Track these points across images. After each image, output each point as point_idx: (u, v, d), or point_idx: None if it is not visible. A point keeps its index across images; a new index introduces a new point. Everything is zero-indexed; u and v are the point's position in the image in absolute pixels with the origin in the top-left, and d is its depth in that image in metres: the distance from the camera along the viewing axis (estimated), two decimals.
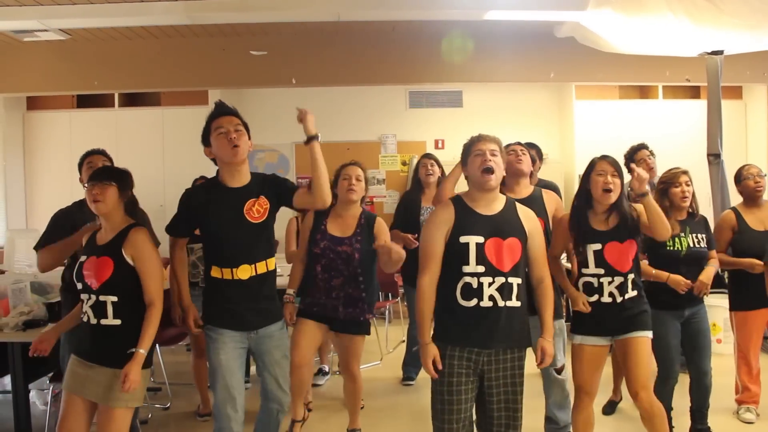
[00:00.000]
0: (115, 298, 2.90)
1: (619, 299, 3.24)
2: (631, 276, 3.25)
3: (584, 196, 3.31)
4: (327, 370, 5.47)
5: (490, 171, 2.87)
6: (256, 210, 3.09)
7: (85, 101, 8.35)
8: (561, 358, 3.78)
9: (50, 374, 4.29)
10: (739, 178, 4.45)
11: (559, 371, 3.78)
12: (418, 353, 5.09)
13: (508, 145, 3.65)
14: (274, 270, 3.24)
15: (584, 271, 3.29)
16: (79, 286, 2.96)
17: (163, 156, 8.22)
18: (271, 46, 7.13)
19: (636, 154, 4.95)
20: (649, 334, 3.30)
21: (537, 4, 5.76)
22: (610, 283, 3.23)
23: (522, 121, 8.83)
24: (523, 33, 6.95)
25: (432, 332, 2.93)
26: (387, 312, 7.00)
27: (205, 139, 3.12)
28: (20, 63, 7.10)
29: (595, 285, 3.25)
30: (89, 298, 2.92)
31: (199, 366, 4.68)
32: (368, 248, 3.79)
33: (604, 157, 3.30)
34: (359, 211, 3.92)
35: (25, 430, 3.87)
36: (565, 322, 3.84)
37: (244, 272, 3.09)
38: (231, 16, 6.01)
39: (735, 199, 5.66)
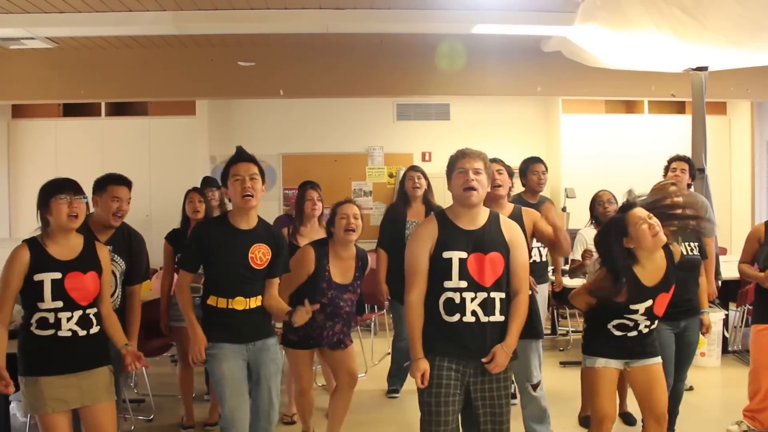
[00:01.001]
0: (96, 310, 3.01)
1: (645, 331, 3.22)
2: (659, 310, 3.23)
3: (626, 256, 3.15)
4: None
5: (472, 189, 2.86)
6: (259, 258, 3.30)
7: (71, 110, 8.30)
8: (537, 375, 3.78)
9: None
10: None
11: (535, 388, 3.77)
12: (408, 368, 5.09)
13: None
14: (263, 307, 3.39)
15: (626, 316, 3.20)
16: (58, 304, 2.88)
17: (149, 166, 8.18)
18: (259, 57, 7.13)
19: (673, 163, 4.84)
20: (660, 360, 3.30)
21: (524, 19, 5.79)
22: (645, 320, 3.19)
23: (509, 134, 8.88)
24: (510, 47, 7.00)
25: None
26: (372, 324, 6.98)
27: (224, 181, 3.35)
28: (6, 71, 7.05)
29: (630, 325, 3.21)
30: (71, 316, 2.90)
31: (185, 377, 4.65)
32: (361, 291, 3.99)
33: (632, 208, 3.16)
34: (354, 250, 3.95)
35: None
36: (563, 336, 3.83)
37: (239, 304, 3.27)
38: (219, 26, 6.01)
39: (719, 212, 5.73)
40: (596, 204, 4.72)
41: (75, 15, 5.68)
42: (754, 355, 4.30)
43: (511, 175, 3.91)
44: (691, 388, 5.15)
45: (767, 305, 4.22)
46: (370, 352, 6.52)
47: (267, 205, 8.48)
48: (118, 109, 8.45)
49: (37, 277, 2.87)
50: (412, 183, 5.11)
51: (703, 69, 5.74)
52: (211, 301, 3.27)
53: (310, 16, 5.76)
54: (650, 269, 3.15)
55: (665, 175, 4.83)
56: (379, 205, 8.85)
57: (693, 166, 4.73)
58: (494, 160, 3.80)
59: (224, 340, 3.25)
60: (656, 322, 3.25)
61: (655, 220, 3.08)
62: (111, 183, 3.56)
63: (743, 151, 8.53)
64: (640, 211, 3.11)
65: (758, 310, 4.36)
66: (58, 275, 2.89)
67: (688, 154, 5.76)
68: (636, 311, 3.15)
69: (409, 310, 2.90)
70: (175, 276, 4.42)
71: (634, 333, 3.21)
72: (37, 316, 2.88)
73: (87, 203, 3.02)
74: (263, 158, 9.00)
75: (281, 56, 7.17)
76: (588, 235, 4.51)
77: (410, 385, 5.28)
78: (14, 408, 4.65)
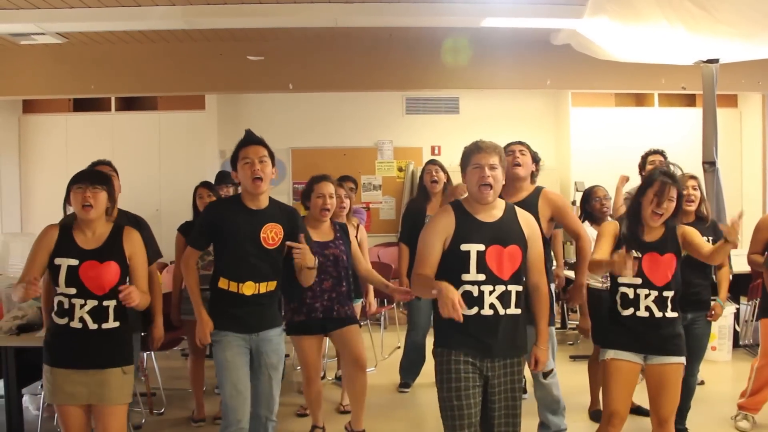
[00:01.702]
0: (116, 302, 2.95)
1: (658, 314, 3.13)
2: (669, 293, 3.15)
3: (636, 208, 3.20)
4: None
5: (488, 186, 2.83)
6: (271, 237, 3.27)
7: (81, 105, 8.33)
8: (549, 363, 3.76)
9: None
10: None
11: (546, 376, 3.75)
12: (414, 360, 5.07)
13: (507, 146, 3.63)
14: (276, 290, 3.38)
15: (620, 280, 3.19)
16: (71, 291, 2.91)
17: (159, 160, 8.21)
18: (268, 51, 7.13)
19: (650, 157, 4.93)
20: (683, 360, 3.21)
21: (534, 12, 5.77)
22: (647, 296, 3.13)
23: (518, 128, 8.81)
24: (519, 40, 6.97)
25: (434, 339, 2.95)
26: (382, 318, 6.99)
27: (234, 164, 3.33)
28: (17, 66, 7.08)
29: (631, 297, 3.16)
30: (85, 304, 2.90)
31: (196, 369, 4.67)
32: (349, 250, 4.01)
33: (663, 177, 3.15)
34: (328, 221, 4.07)
35: None
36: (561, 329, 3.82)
37: (248, 289, 3.24)
38: (228, 21, 6.01)
39: (730, 206, 5.70)
40: (591, 200, 4.64)
41: (85, 10, 5.70)
42: (764, 349, 4.29)
43: (536, 160, 3.87)
44: (702, 383, 5.14)
45: None
46: (380, 346, 6.53)
47: (277, 199, 8.51)
48: (128, 104, 8.47)
49: (57, 261, 2.91)
50: (430, 177, 5.09)
51: (714, 61, 5.70)
52: (222, 284, 3.26)
53: (320, 9, 5.76)
54: (648, 231, 3.17)
55: (643, 170, 4.86)
56: (389, 199, 8.85)
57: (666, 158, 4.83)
58: (519, 143, 3.81)
59: (229, 329, 3.26)
60: (664, 302, 3.13)
61: (669, 205, 3.11)
62: (93, 166, 3.65)
63: (754, 144, 8.47)
64: (670, 189, 3.11)
65: (766, 304, 4.35)
66: (75, 262, 2.91)
67: (699, 147, 5.77)
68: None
69: (416, 274, 2.87)
70: None
71: (643, 313, 3.13)
72: (57, 299, 2.93)
73: (108, 192, 3.01)
74: (273, 150, 9.02)
75: (290, 50, 7.17)
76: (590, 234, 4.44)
77: (421, 379, 5.31)
78: (26, 401, 4.69)
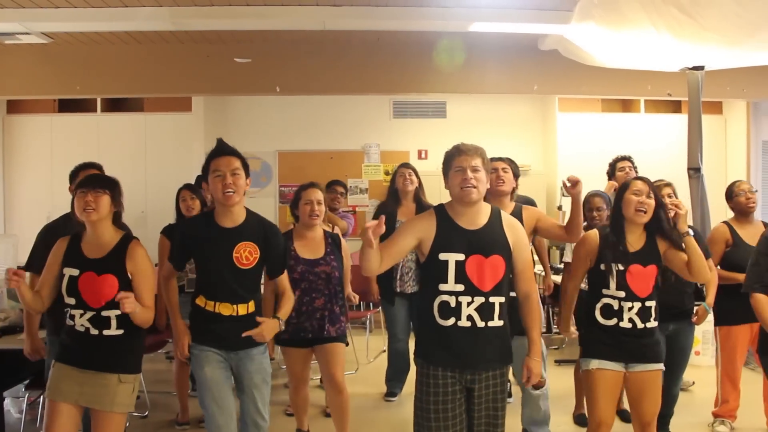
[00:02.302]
0: (118, 312, 2.88)
1: (640, 325, 3.15)
2: (651, 303, 3.17)
3: (618, 216, 3.25)
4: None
5: (471, 187, 2.75)
6: (245, 257, 3.13)
7: (66, 106, 8.26)
8: (543, 375, 3.76)
9: (26, 382, 4.23)
10: (731, 194, 4.49)
11: (537, 387, 3.74)
12: (399, 368, 5.04)
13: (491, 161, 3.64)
14: (255, 311, 3.24)
15: (605, 291, 3.20)
16: (71, 300, 2.89)
17: (145, 162, 8.15)
18: (255, 53, 7.11)
19: (618, 163, 5.03)
20: (662, 366, 3.25)
21: (521, 17, 5.79)
22: (630, 309, 3.14)
23: (505, 133, 8.88)
24: (507, 45, 6.99)
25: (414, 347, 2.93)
26: (368, 322, 6.98)
27: (205, 176, 3.18)
28: (1, 66, 7.01)
29: (615, 308, 3.17)
30: (84, 313, 2.89)
31: (181, 374, 4.65)
32: (341, 265, 3.95)
33: (639, 177, 3.28)
34: (321, 231, 3.99)
35: None
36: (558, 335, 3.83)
37: (225, 309, 3.14)
38: (216, 23, 5.99)
39: (714, 212, 5.73)
40: (584, 209, 4.65)
41: (70, 10, 5.65)
42: (725, 357, 4.35)
43: (516, 175, 3.87)
44: (693, 384, 5.20)
45: (730, 306, 4.24)
46: (365, 350, 6.52)
47: (263, 202, 8.49)
48: (114, 105, 8.41)
49: (64, 270, 2.93)
50: (403, 179, 5.09)
51: (700, 68, 5.74)
52: (199, 301, 3.18)
53: (307, 12, 5.75)
54: (631, 240, 3.19)
55: (613, 176, 4.93)
56: (375, 202, 8.81)
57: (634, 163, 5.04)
58: (501, 159, 3.81)
59: (206, 344, 3.16)
60: (647, 312, 3.15)
61: (650, 202, 3.16)
62: (81, 168, 3.76)
63: (739, 150, 8.54)
64: (642, 185, 3.19)
65: (722, 311, 4.37)
66: (75, 272, 2.89)
67: (684, 153, 5.80)
68: (611, 280, 3.13)
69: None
70: None
71: (626, 324, 3.13)
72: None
73: (112, 196, 3.00)
74: (259, 155, 9.06)
75: (278, 53, 7.15)
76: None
77: (408, 388, 5.28)
78: (8, 404, 4.64)
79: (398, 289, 5.00)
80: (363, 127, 8.97)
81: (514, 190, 3.89)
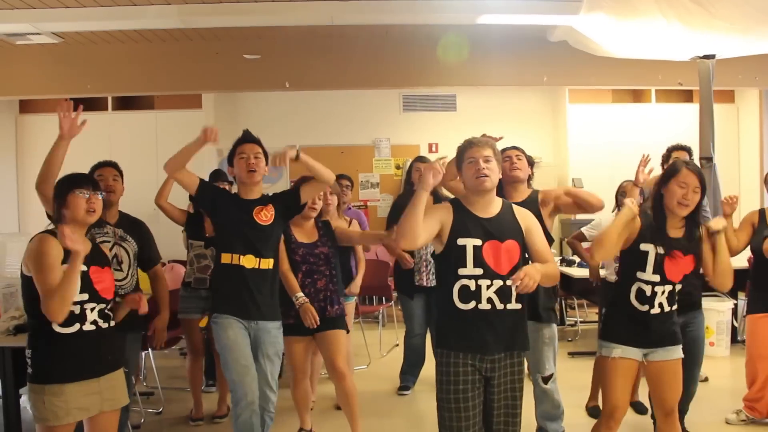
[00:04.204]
0: (111, 305, 2.98)
1: (666, 309, 3.13)
2: (679, 287, 3.15)
3: (658, 201, 3.14)
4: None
5: (485, 176, 2.83)
6: (264, 214, 3.54)
7: (78, 105, 8.31)
8: (549, 367, 3.73)
9: None
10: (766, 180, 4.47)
11: (546, 380, 3.73)
12: (413, 362, 5.04)
13: (503, 151, 3.63)
14: (276, 270, 3.57)
15: (639, 275, 3.13)
16: (84, 296, 2.83)
17: (156, 160, 8.16)
18: (264, 49, 7.12)
19: (674, 153, 4.88)
20: (681, 352, 3.21)
21: (530, 8, 5.77)
22: (662, 293, 3.11)
23: (515, 125, 8.84)
24: (516, 37, 6.96)
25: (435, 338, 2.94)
26: (380, 316, 7.00)
27: (230, 160, 3.65)
28: (13, 66, 7.07)
29: (648, 294, 3.11)
30: (95, 307, 2.87)
31: (194, 369, 4.68)
32: (335, 250, 4.11)
33: (688, 166, 3.11)
34: (313, 219, 4.15)
35: None
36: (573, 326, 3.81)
37: (249, 261, 3.45)
38: (224, 19, 6.00)
39: None
40: (619, 195, 4.74)
41: (80, 10, 5.69)
42: (749, 343, 4.34)
43: (530, 163, 3.86)
44: (706, 379, 5.16)
45: (761, 294, 4.22)
46: (378, 344, 6.53)
47: None
48: (125, 104, 8.46)
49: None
50: (419, 174, 5.08)
51: (711, 57, 5.71)
52: (225, 258, 3.46)
53: (315, 7, 5.75)
54: (670, 227, 3.11)
55: (665, 164, 4.83)
56: (386, 196, 8.84)
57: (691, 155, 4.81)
58: (514, 148, 3.82)
59: (228, 313, 3.44)
60: (674, 296, 3.12)
61: (695, 197, 3.05)
62: (96, 168, 3.83)
63: (752, 139, 8.48)
64: (691, 177, 3.06)
65: (753, 299, 4.36)
66: (83, 268, 2.82)
67: (696, 142, 5.76)
68: (648, 264, 3.08)
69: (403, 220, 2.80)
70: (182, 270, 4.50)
71: (656, 310, 3.10)
72: None
73: (103, 199, 2.99)
74: (269, 151, 9.01)
75: (287, 49, 7.16)
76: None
77: (421, 384, 5.29)
78: (24, 401, 4.68)
79: (417, 283, 5.01)
80: (373, 122, 8.98)
81: (529, 177, 3.86)
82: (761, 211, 4.36)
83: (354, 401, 4.01)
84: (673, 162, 3.28)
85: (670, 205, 3.09)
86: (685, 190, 3.04)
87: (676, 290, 3.14)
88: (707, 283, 3.79)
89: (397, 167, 8.90)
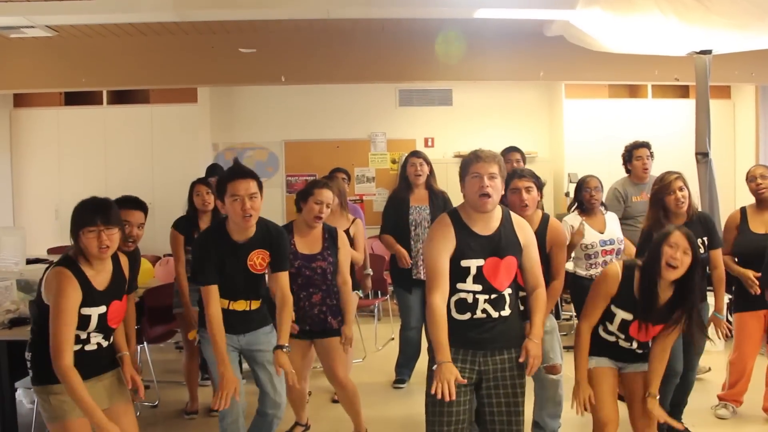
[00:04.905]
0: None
1: (639, 351, 3.20)
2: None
3: (650, 265, 3.06)
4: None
5: (487, 195, 2.81)
6: (258, 263, 3.35)
7: (73, 99, 8.28)
8: (555, 356, 3.70)
9: None
10: (746, 178, 4.47)
11: (551, 371, 3.69)
12: (409, 356, 5.05)
13: (504, 155, 3.57)
14: (263, 304, 3.50)
15: (608, 326, 3.20)
16: (98, 333, 2.89)
17: (152, 154, 8.17)
18: (260, 43, 7.10)
19: (636, 151, 4.96)
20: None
21: (526, 3, 5.75)
22: (631, 344, 3.20)
23: (511, 120, 8.85)
24: (512, 31, 6.95)
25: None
26: (376, 310, 7.00)
27: (220, 196, 3.23)
28: (7, 60, 7.03)
29: (612, 340, 3.21)
30: (99, 334, 2.91)
31: (190, 366, 4.69)
32: (336, 260, 3.95)
33: (680, 228, 3.05)
34: (321, 226, 3.98)
35: (11, 429, 3.84)
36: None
37: (240, 305, 3.39)
38: (220, 13, 5.98)
39: (723, 197, 5.71)
40: (582, 190, 4.59)
41: (75, 3, 5.65)
42: (739, 341, 4.36)
43: (540, 187, 3.65)
44: (709, 369, 5.20)
45: (747, 292, 4.22)
46: (374, 338, 6.53)
47: (270, 192, 8.49)
48: (120, 97, 8.42)
49: (85, 311, 2.79)
50: (414, 170, 5.06)
51: (707, 52, 5.70)
52: None
53: (312, 1, 5.73)
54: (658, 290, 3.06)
55: (629, 162, 4.89)
56: (382, 191, 8.83)
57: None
58: (515, 150, 3.74)
59: None
60: (646, 344, 3.18)
61: (685, 259, 2.97)
62: (121, 207, 3.28)
63: (748, 135, 8.48)
64: (681, 238, 2.98)
65: (739, 296, 4.37)
66: (103, 309, 2.85)
67: (692, 138, 5.77)
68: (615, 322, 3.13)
69: (433, 313, 2.74)
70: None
71: (625, 344, 3.17)
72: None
73: (122, 229, 2.93)
74: (266, 145, 9.07)
75: (282, 42, 7.13)
76: (573, 221, 4.44)
77: (416, 377, 5.29)
78: (20, 395, 4.68)
79: (414, 277, 5.01)
80: (369, 116, 8.96)
81: (539, 203, 3.68)
82: (742, 210, 4.40)
83: (357, 405, 4.06)
84: (666, 228, 3.16)
85: (657, 268, 3.00)
86: (673, 251, 2.97)
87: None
88: (710, 276, 3.80)
89: (393, 162, 8.89)
